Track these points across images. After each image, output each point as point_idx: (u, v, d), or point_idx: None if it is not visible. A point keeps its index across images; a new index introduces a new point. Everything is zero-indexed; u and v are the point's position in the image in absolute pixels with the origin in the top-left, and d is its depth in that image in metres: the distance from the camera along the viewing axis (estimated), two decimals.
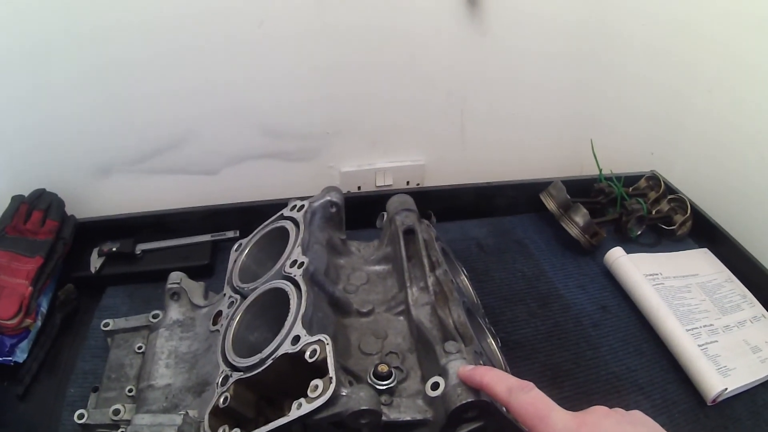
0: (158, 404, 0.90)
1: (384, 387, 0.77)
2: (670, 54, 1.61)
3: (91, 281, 1.28)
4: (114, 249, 1.30)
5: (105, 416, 0.88)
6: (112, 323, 1.06)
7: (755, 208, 1.52)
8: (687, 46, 1.59)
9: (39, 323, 1.15)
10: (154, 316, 1.04)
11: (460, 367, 0.74)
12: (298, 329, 0.78)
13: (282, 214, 1.05)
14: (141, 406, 0.90)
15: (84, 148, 1.34)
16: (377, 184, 1.63)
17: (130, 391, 0.95)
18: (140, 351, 1.02)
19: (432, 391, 0.74)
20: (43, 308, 1.17)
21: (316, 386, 0.69)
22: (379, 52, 1.40)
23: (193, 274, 1.14)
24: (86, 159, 1.37)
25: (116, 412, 0.88)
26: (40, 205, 1.26)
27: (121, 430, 0.88)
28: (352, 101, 1.46)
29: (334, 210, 1.09)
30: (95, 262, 1.29)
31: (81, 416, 0.89)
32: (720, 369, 1.17)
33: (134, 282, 1.30)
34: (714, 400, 1.12)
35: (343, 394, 0.69)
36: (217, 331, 0.93)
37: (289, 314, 0.81)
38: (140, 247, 1.33)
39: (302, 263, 0.89)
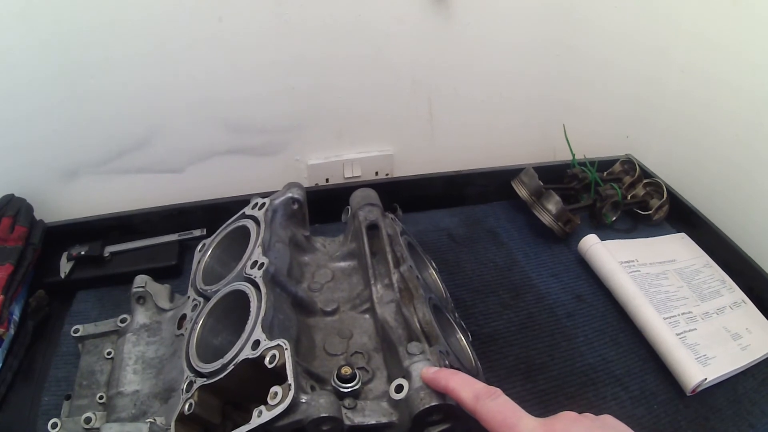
0: (127, 411, 0.89)
1: (348, 390, 0.76)
2: (641, 35, 1.60)
3: (61, 286, 1.27)
4: (83, 252, 1.29)
5: (78, 425, 0.87)
6: (81, 329, 1.04)
7: (733, 191, 1.51)
8: (658, 27, 1.59)
9: (12, 332, 1.13)
10: (122, 321, 1.03)
11: (423, 369, 0.73)
12: (258, 333, 0.76)
13: (244, 212, 1.04)
14: (111, 413, 0.89)
15: (50, 152, 1.33)
16: (345, 176, 1.61)
17: (101, 398, 0.93)
18: (109, 357, 1.00)
19: (396, 394, 0.73)
20: (15, 316, 1.15)
21: (276, 393, 0.68)
22: (342, 42, 1.38)
23: (161, 274, 1.14)
24: (53, 162, 1.35)
25: (87, 420, 0.87)
26: (9, 211, 1.24)
27: None
28: (317, 93, 1.45)
29: (296, 207, 1.08)
30: (65, 267, 1.28)
31: (54, 425, 0.88)
32: (699, 358, 1.17)
33: (104, 285, 1.28)
34: (694, 390, 1.11)
35: (303, 401, 0.68)
36: (182, 335, 0.92)
37: (249, 318, 0.80)
38: (108, 250, 1.31)
39: (262, 264, 0.88)
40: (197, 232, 1.37)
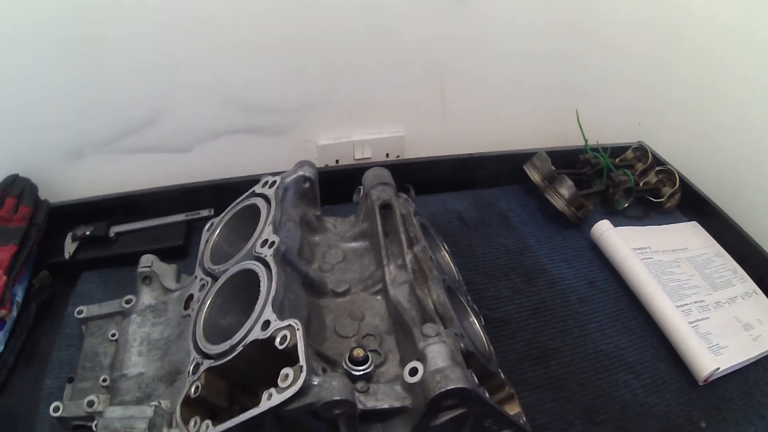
0: (131, 394, 0.88)
1: (360, 373, 0.74)
2: (655, 23, 1.58)
3: (65, 267, 1.26)
4: (87, 233, 1.27)
5: (80, 408, 0.85)
6: (85, 310, 1.03)
7: (744, 181, 1.49)
8: (672, 14, 1.56)
9: (15, 313, 1.11)
10: (127, 302, 1.01)
11: (439, 350, 0.71)
12: (268, 313, 0.74)
13: (254, 191, 1.02)
14: (114, 396, 0.87)
15: (55, 131, 1.31)
16: (356, 157, 1.60)
17: (104, 380, 0.92)
18: (114, 338, 0.99)
19: (410, 377, 0.71)
20: (19, 297, 1.14)
21: (287, 375, 0.66)
22: (354, 21, 1.36)
23: (168, 255, 1.12)
24: (58, 142, 1.33)
25: (90, 403, 0.84)
26: (13, 191, 1.23)
27: (96, 422, 0.84)
28: (327, 73, 1.43)
29: (307, 185, 1.07)
30: (69, 247, 1.26)
31: (56, 409, 0.86)
32: (712, 347, 1.15)
33: (109, 266, 1.27)
34: (706, 380, 1.10)
35: (315, 383, 0.66)
36: (189, 315, 0.90)
37: (259, 297, 0.78)
38: (114, 230, 1.30)
39: (273, 242, 0.86)
40: (205, 212, 1.36)
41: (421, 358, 0.72)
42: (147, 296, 1.01)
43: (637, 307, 1.26)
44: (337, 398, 0.65)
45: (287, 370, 0.67)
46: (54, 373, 1.05)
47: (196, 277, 0.96)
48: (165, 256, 1.10)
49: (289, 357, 0.69)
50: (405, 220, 1.01)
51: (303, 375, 0.65)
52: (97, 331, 1.02)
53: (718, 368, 1.09)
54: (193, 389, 0.74)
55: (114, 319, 1.03)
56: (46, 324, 1.16)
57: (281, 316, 0.73)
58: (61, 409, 0.86)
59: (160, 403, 0.81)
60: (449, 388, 0.67)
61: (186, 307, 0.94)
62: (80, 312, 1.03)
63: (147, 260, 1.04)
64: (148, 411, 0.78)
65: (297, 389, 0.64)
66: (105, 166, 1.39)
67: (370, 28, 1.39)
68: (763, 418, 1.06)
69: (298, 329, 0.70)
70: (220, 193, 1.31)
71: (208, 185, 1.42)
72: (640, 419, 1.04)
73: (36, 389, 1.03)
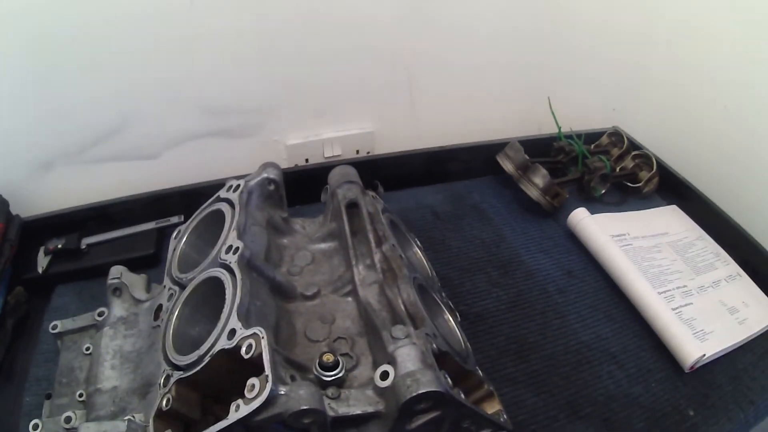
0: (106, 409, 0.86)
1: (330, 378, 0.73)
2: (628, 2, 1.58)
3: (39, 282, 1.24)
4: (59, 246, 1.26)
5: (58, 425, 0.84)
6: (60, 325, 1.01)
7: (723, 162, 1.50)
8: None
9: None
10: (100, 314, 1.00)
11: (409, 353, 0.70)
12: (234, 322, 0.73)
13: (219, 195, 1.02)
14: (90, 411, 0.86)
15: (23, 144, 1.30)
16: (326, 155, 1.59)
17: (81, 396, 0.91)
18: (88, 352, 0.97)
19: (381, 381, 0.70)
20: None
21: (253, 386, 0.65)
22: (316, 17, 1.35)
23: (140, 264, 1.12)
24: (27, 155, 1.32)
25: (68, 419, 0.84)
26: None
27: None
28: (292, 70, 1.42)
29: (272, 187, 1.06)
30: (42, 262, 1.25)
31: (36, 426, 0.85)
32: (696, 333, 1.15)
33: (82, 278, 1.25)
34: (692, 367, 1.10)
35: (282, 393, 0.65)
36: (159, 326, 0.89)
37: (225, 305, 0.77)
38: (85, 242, 1.28)
39: (237, 248, 0.85)
40: (175, 219, 1.35)
41: (392, 361, 0.71)
42: (118, 308, 1.00)
43: (618, 296, 1.26)
44: (305, 407, 0.64)
45: (253, 380, 0.65)
46: (32, 390, 1.04)
47: (164, 286, 0.95)
48: (137, 265, 1.09)
49: (257, 366, 0.67)
50: (372, 218, 1.00)
51: (268, 385, 0.63)
52: (72, 346, 1.01)
53: (704, 355, 1.09)
54: (164, 402, 0.73)
55: (88, 332, 1.01)
56: (23, 341, 1.15)
57: (247, 324, 0.72)
58: (40, 427, 0.85)
59: (134, 416, 0.79)
60: (420, 392, 0.66)
61: (156, 318, 0.93)
62: (55, 327, 1.01)
63: (116, 271, 1.02)
64: (121, 426, 0.77)
65: (263, 400, 0.63)
66: (75, 176, 1.38)
67: (335, 23, 1.38)
68: (753, 403, 1.06)
69: (263, 337, 0.69)
70: (190, 199, 1.30)
71: (178, 191, 1.40)
72: (626, 410, 1.03)
73: (16, 407, 1.01)
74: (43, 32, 1.17)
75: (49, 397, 0.95)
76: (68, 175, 1.37)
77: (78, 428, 0.79)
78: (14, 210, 1.28)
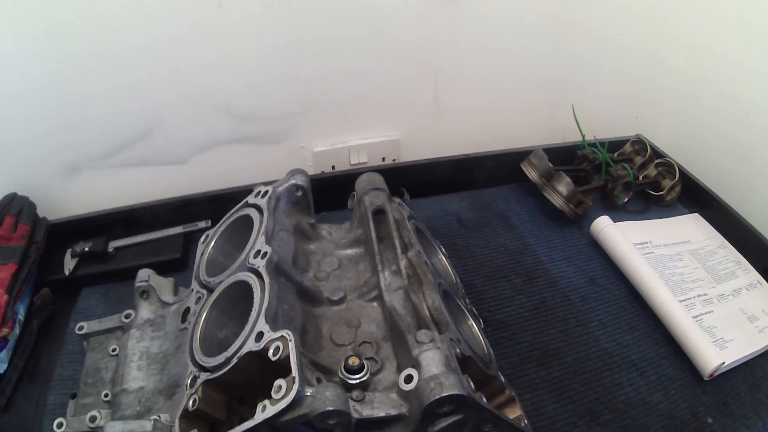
0: (132, 409, 0.87)
1: (356, 381, 0.73)
2: (647, 13, 1.58)
3: (66, 284, 1.26)
4: (87, 249, 1.27)
5: (83, 424, 0.86)
6: (86, 326, 1.03)
7: (744, 170, 1.49)
8: (664, 3, 1.56)
9: (17, 331, 1.11)
10: (127, 316, 1.01)
11: (433, 357, 0.71)
12: (261, 325, 0.74)
13: (247, 201, 1.03)
14: (116, 411, 0.87)
15: (51, 148, 1.31)
16: (352, 163, 1.59)
17: (106, 395, 0.92)
18: (114, 353, 0.99)
19: (405, 385, 0.70)
20: (21, 315, 1.14)
21: (280, 387, 0.66)
22: (343, 24, 1.36)
23: (167, 268, 1.13)
24: (55, 159, 1.33)
25: (92, 419, 0.85)
26: (12, 210, 1.23)
27: None
28: (319, 78, 1.43)
29: (300, 194, 1.07)
30: (69, 264, 1.26)
31: (60, 425, 0.86)
32: (716, 341, 1.14)
33: (109, 281, 1.27)
34: (711, 375, 1.09)
35: (308, 394, 0.66)
36: (186, 329, 0.90)
37: (253, 308, 0.78)
38: (113, 245, 1.29)
39: (265, 253, 0.86)
40: (202, 224, 1.36)
41: (416, 365, 0.72)
42: (145, 310, 1.01)
43: (640, 304, 1.26)
44: (330, 408, 0.65)
45: (280, 382, 0.66)
46: (57, 390, 1.05)
47: (192, 289, 0.96)
48: (163, 269, 1.10)
49: (284, 368, 0.69)
50: (398, 225, 1.01)
51: (295, 386, 0.65)
52: (98, 347, 1.02)
53: (724, 362, 1.09)
54: (191, 402, 0.74)
55: (114, 334, 1.03)
56: (48, 341, 1.16)
57: (274, 327, 0.73)
58: (64, 425, 0.86)
59: (159, 416, 0.80)
60: (444, 395, 0.67)
61: (183, 320, 0.94)
62: (81, 328, 1.02)
63: (144, 274, 1.03)
64: (147, 425, 0.78)
65: (290, 401, 0.64)
66: (102, 180, 1.39)
67: (361, 31, 1.39)
68: None
69: (290, 340, 0.70)
70: (217, 204, 1.31)
71: (205, 196, 1.41)
72: (645, 418, 1.03)
73: (39, 406, 1.03)
74: (72, 38, 1.18)
75: (74, 396, 0.95)
76: (95, 178, 1.38)
77: (104, 427, 0.80)
78: (41, 213, 1.30)
